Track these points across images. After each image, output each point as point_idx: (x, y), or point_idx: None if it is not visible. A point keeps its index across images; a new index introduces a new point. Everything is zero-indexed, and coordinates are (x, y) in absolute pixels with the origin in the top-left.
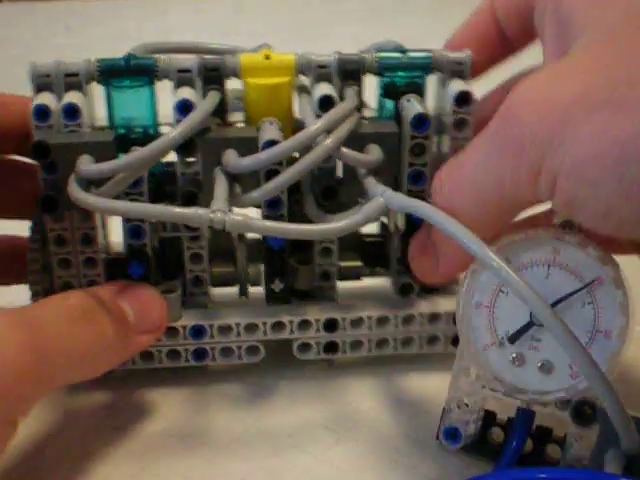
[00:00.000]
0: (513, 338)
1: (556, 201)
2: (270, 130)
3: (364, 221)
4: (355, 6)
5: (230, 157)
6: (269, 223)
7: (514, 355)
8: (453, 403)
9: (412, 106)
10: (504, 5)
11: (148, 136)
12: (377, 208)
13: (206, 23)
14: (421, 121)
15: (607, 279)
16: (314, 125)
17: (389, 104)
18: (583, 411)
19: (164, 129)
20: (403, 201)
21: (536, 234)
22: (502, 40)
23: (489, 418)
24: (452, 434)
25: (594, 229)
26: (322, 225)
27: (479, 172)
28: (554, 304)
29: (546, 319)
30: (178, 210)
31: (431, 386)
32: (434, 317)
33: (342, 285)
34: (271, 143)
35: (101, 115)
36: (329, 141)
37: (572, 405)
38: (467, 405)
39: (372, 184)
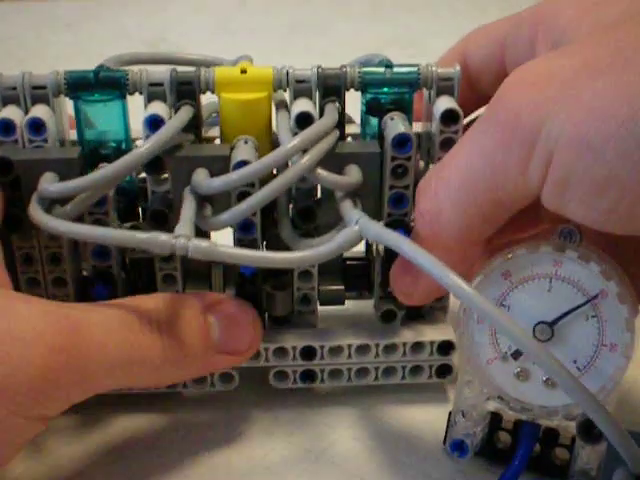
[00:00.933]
0: (516, 355)
1: (548, 183)
2: (244, 149)
3: (337, 251)
4: (357, 2)
5: (200, 177)
6: (236, 250)
7: (518, 369)
8: (458, 415)
9: (394, 125)
10: (475, 58)
11: (120, 151)
12: (351, 237)
13: (206, 19)
14: (402, 141)
15: (611, 294)
16: (288, 144)
17: (374, 121)
18: (590, 430)
19: (139, 144)
20: (378, 231)
21: (537, 247)
22: (472, 92)
23: (495, 421)
24: (459, 446)
25: (587, 217)
26: (291, 254)
27: (470, 160)
28: (557, 319)
29: (530, 351)
30: (139, 235)
31: (414, 418)
32: (418, 346)
33: (323, 310)
34: (243, 164)
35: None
36: (304, 161)
37: (578, 423)
38: (472, 414)
39: (348, 209)
